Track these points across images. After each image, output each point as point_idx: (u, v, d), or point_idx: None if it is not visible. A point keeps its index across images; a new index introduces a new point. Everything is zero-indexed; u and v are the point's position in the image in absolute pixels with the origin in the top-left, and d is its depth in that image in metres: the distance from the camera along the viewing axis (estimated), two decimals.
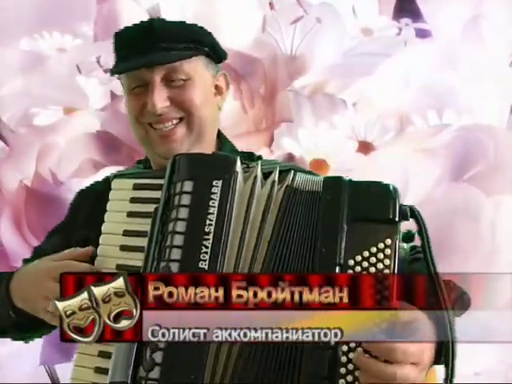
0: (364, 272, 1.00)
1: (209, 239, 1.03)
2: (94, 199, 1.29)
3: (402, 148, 1.81)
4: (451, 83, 2.33)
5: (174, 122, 1.26)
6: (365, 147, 2.23)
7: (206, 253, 1.02)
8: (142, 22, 1.32)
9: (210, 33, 1.35)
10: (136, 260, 1.10)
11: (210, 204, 1.05)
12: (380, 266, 1.00)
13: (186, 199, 1.06)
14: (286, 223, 1.05)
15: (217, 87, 1.34)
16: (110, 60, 2.54)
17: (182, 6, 2.89)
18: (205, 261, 1.02)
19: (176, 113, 1.26)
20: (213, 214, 1.05)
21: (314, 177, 1.11)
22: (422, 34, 3.15)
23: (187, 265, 1.02)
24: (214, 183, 1.06)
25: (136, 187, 1.16)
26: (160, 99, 1.23)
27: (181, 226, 1.05)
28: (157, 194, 1.11)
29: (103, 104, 2.37)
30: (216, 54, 1.34)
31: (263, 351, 0.99)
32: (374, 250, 1.01)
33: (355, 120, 2.36)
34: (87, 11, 2.97)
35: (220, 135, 1.38)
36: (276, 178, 1.07)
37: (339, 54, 2.87)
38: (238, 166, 1.08)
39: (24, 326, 1.22)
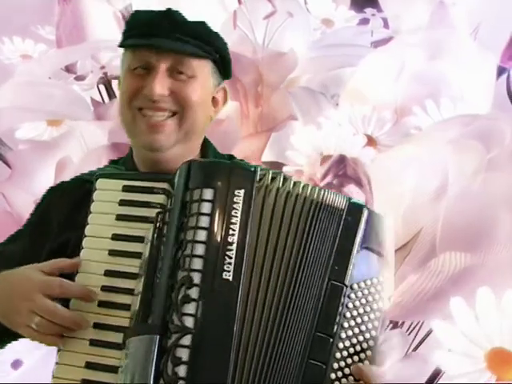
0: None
1: (232, 250, 1.02)
2: (70, 199, 1.24)
3: (431, 141, 1.84)
4: (439, 71, 2.39)
5: (167, 114, 1.23)
6: (370, 141, 2.26)
7: (230, 263, 1.01)
8: (160, 10, 1.29)
9: (225, 43, 1.34)
10: (126, 266, 1.07)
11: (233, 214, 1.04)
12: (376, 297, 1.08)
13: (206, 207, 1.03)
14: (306, 237, 1.06)
15: (213, 99, 1.32)
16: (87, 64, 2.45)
17: (148, 6, 2.82)
18: (229, 271, 1.01)
19: (172, 105, 1.23)
20: (235, 224, 1.03)
21: (336, 194, 1.11)
22: (386, 23, 3.23)
23: (210, 275, 1.00)
24: (236, 192, 1.05)
25: (126, 189, 1.12)
26: (160, 86, 1.21)
27: (202, 235, 1.02)
28: (148, 198, 1.09)
29: (91, 112, 2.28)
30: (224, 67, 1.33)
31: None
32: (374, 280, 1.09)
33: (353, 114, 2.38)
34: (47, 13, 2.84)
35: (204, 138, 1.36)
36: (290, 189, 1.07)
37: (313, 47, 2.88)
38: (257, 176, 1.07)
39: None
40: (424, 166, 1.80)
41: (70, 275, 1.09)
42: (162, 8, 2.85)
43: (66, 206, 1.24)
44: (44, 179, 1.99)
